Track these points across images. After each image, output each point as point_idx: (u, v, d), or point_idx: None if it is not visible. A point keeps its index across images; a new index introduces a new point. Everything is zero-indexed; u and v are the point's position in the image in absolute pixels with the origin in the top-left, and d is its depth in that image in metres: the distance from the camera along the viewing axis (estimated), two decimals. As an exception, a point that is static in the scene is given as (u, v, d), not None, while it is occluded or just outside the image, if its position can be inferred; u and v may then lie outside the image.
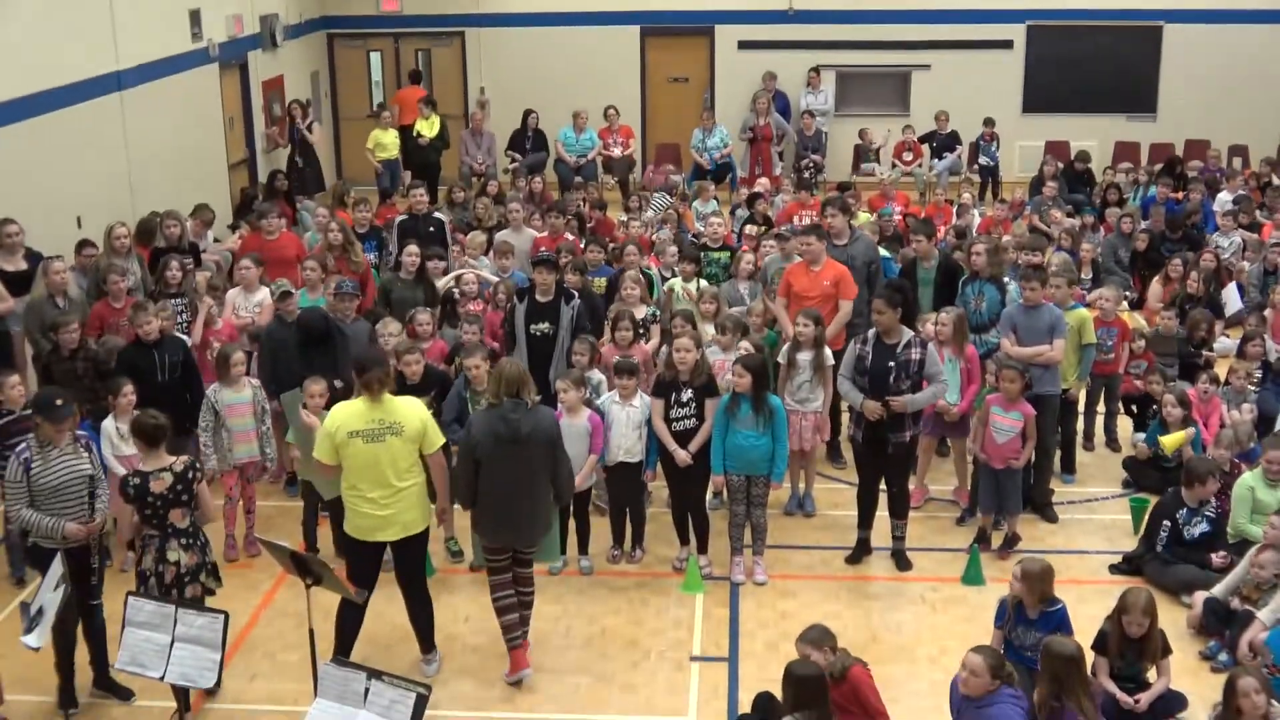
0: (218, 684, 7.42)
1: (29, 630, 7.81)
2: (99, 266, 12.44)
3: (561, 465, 8.75)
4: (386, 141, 20.56)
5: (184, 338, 11.54)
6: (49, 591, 7.88)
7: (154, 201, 15.06)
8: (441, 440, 8.69)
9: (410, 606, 8.88)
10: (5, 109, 13.33)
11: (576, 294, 11.60)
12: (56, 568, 7.95)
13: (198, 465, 8.42)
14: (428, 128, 20.52)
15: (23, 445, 8.39)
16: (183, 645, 7.42)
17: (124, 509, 8.40)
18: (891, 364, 9.91)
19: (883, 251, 13.26)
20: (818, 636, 7.60)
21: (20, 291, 11.91)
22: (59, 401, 8.36)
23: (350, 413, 8.46)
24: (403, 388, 9.97)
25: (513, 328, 11.45)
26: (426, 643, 8.99)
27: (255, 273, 12.69)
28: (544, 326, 11.34)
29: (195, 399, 10.72)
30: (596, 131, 21.18)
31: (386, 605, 8.86)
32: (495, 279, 13.02)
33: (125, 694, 8.68)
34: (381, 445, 8.37)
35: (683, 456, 9.94)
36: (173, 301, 12.13)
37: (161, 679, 7.44)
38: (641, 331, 11.43)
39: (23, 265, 12.20)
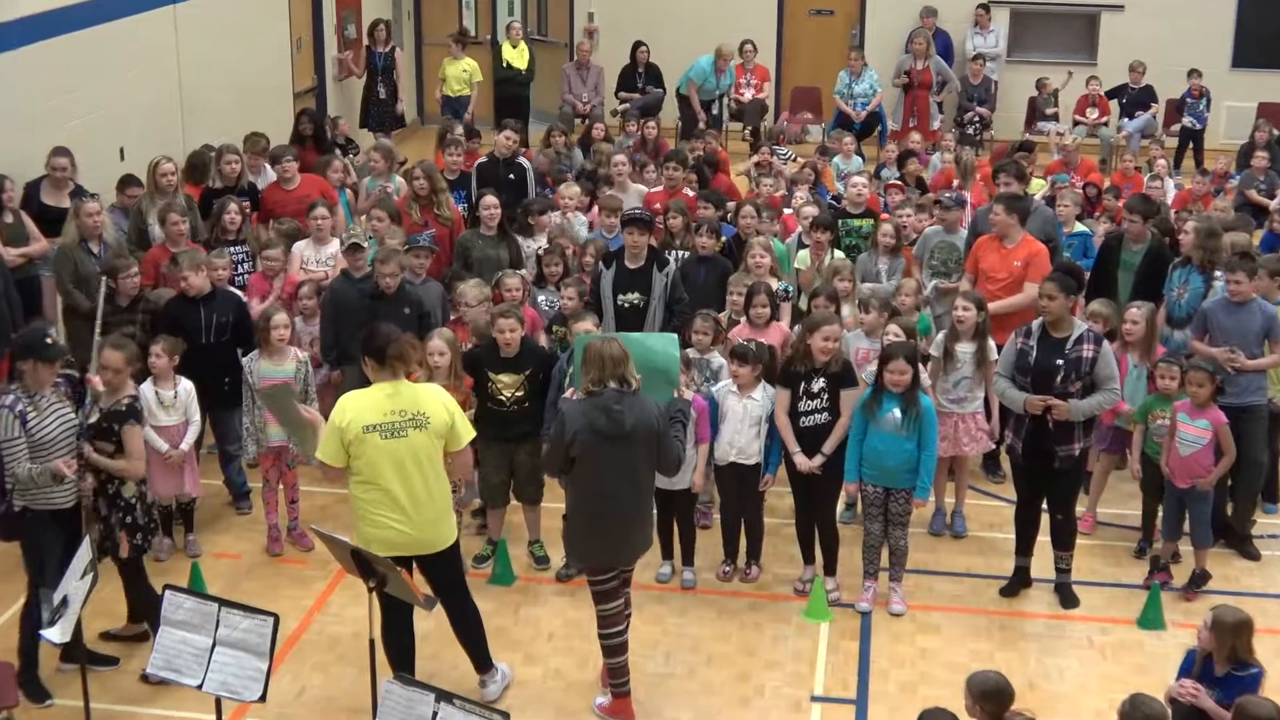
0: (263, 697, 7.49)
1: (51, 623, 7.99)
2: (140, 208, 12.58)
3: (668, 451, 8.52)
4: (452, 74, 20.40)
5: (238, 293, 11.60)
6: (74, 580, 8.02)
7: (207, 134, 15.25)
8: (471, 434, 8.59)
9: (454, 623, 8.82)
10: (41, 21, 13.52)
11: (671, 260, 11.56)
12: (84, 553, 8.09)
13: (137, 406, 9.06)
14: (517, 57, 20.51)
15: (9, 398, 8.54)
16: (225, 650, 7.51)
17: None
18: (1060, 362, 9.76)
19: (1079, 226, 13.12)
20: (983, 690, 7.28)
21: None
22: (48, 339, 8.74)
23: (364, 404, 8.22)
24: (495, 360, 9.99)
25: (598, 298, 11.42)
26: (482, 660, 8.91)
27: (329, 223, 12.67)
28: (633, 297, 11.32)
29: (247, 366, 10.82)
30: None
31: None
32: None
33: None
34: (403, 441, 8.18)
35: (803, 463, 9.88)
36: (230, 250, 12.14)
37: (199, 688, 7.54)
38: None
39: (67, 203, 12.30)
